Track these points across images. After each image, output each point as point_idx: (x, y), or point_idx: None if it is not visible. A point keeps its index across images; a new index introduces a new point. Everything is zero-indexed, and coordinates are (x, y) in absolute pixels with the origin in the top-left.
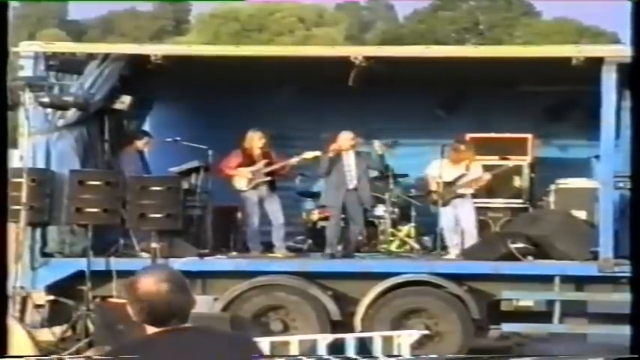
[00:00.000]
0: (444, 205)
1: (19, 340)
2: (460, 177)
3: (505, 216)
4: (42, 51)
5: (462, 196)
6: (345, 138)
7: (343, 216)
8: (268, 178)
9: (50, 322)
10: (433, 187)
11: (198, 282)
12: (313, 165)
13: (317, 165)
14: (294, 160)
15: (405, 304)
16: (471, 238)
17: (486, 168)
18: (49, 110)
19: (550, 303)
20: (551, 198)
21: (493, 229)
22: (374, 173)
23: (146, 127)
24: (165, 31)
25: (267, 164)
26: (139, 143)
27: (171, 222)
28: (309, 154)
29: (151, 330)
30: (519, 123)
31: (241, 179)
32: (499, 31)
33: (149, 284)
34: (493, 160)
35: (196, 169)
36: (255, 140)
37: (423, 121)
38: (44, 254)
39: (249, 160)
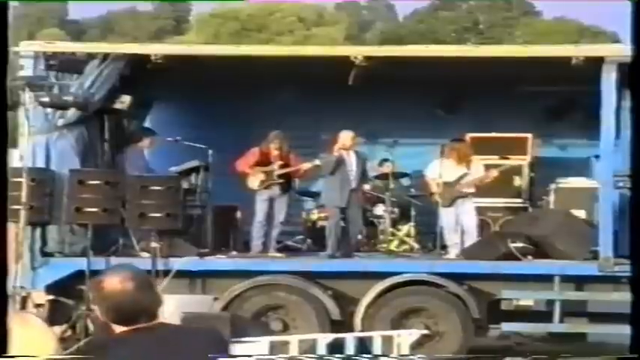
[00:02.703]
0: (448, 205)
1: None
2: (462, 176)
3: (505, 215)
4: (42, 51)
5: (464, 195)
6: (346, 137)
7: (343, 215)
8: (281, 180)
9: (50, 321)
10: (434, 188)
11: (198, 282)
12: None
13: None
14: (306, 166)
15: (405, 303)
16: (472, 238)
17: (486, 168)
18: (49, 110)
19: (550, 302)
20: (551, 197)
21: (493, 228)
22: (372, 172)
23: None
24: (165, 30)
25: (282, 166)
26: (144, 142)
27: (171, 221)
28: (319, 161)
29: (119, 329)
30: (519, 123)
31: (254, 179)
32: (499, 31)
33: (114, 283)
34: (493, 159)
35: (196, 169)
36: (273, 141)
37: (423, 120)
38: (44, 254)
39: (265, 160)
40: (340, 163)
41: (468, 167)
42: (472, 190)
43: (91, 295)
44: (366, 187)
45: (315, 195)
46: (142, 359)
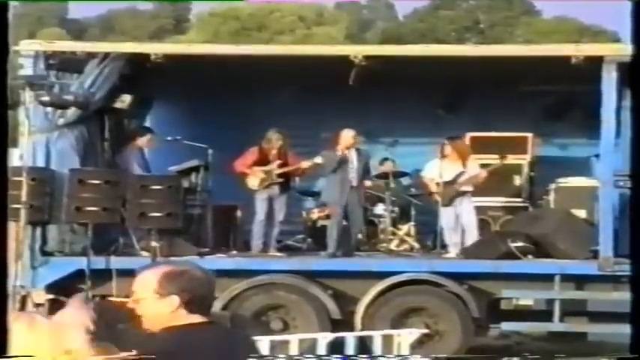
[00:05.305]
0: (448, 205)
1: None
2: (459, 175)
3: (505, 215)
4: (42, 50)
5: (462, 194)
6: (347, 136)
7: (344, 214)
8: (280, 180)
9: None
10: (433, 188)
11: None
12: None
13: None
14: (306, 164)
15: (405, 302)
16: (472, 237)
17: (482, 166)
18: (49, 109)
19: (550, 302)
20: (551, 197)
21: (493, 227)
22: (373, 171)
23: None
24: (165, 29)
25: (281, 165)
26: (142, 140)
27: (171, 221)
28: (319, 159)
29: (189, 320)
30: (519, 122)
31: (254, 178)
32: (499, 30)
33: (200, 274)
34: (493, 159)
35: (196, 168)
36: (272, 140)
37: (423, 120)
38: (44, 253)
39: (264, 159)
40: (343, 161)
41: (464, 166)
42: (469, 188)
43: (170, 286)
44: (368, 183)
45: (315, 194)
46: (205, 352)
